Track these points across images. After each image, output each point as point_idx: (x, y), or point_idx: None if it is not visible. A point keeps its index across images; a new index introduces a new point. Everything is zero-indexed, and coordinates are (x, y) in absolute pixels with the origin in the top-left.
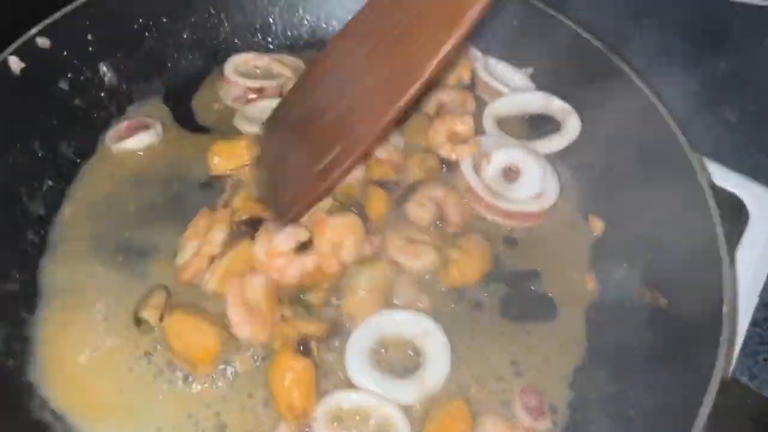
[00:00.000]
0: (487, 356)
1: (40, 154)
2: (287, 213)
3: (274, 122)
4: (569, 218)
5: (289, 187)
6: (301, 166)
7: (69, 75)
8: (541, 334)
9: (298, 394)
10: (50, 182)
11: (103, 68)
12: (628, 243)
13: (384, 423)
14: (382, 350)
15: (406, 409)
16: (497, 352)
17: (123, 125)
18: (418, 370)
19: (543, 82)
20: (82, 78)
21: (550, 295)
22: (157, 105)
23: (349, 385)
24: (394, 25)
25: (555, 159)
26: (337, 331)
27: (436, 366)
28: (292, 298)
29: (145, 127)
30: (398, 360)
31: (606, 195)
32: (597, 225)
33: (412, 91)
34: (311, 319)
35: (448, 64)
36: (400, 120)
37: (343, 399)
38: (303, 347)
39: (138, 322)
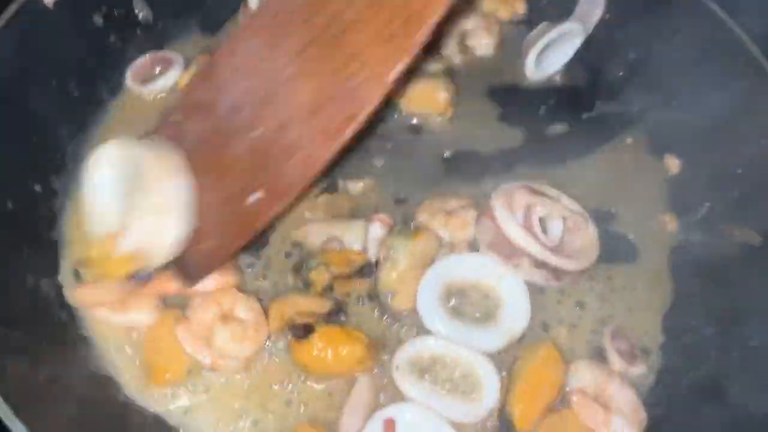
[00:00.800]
0: (569, 299)
1: (75, 94)
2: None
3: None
4: (642, 158)
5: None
6: (216, 199)
7: (103, 9)
8: (623, 277)
9: (334, 355)
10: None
11: (138, 3)
12: (709, 181)
13: (469, 371)
14: (454, 298)
15: (491, 356)
16: (579, 294)
17: (145, 61)
18: (496, 315)
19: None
20: (116, 13)
21: (629, 237)
22: (191, 43)
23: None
24: (326, 23)
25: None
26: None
27: (515, 309)
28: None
29: (168, 63)
30: (473, 307)
31: (682, 132)
32: (673, 164)
33: (362, 118)
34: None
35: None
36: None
37: (422, 347)
38: (301, 329)
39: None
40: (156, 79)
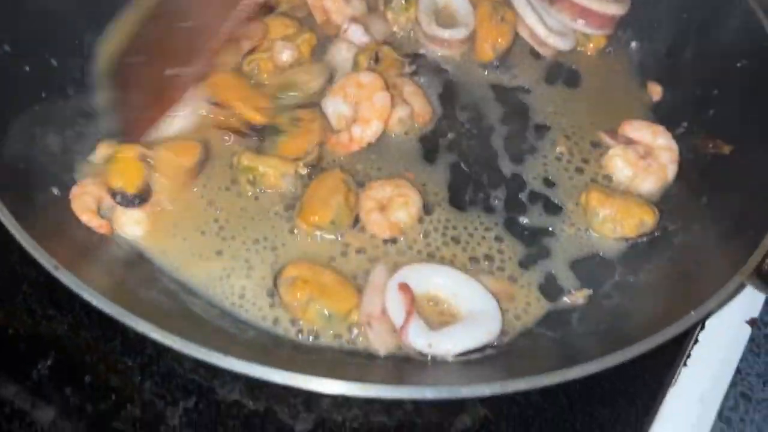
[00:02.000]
0: None
1: None
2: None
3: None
4: (627, 85)
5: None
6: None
7: None
8: None
9: None
10: None
11: None
12: (686, 104)
13: None
14: None
15: None
16: None
17: None
18: None
19: None
20: None
21: None
22: None
23: None
24: None
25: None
26: None
27: None
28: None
29: None
30: None
31: (662, 60)
32: (655, 90)
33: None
34: None
35: None
36: None
37: None
38: None
39: None
40: None
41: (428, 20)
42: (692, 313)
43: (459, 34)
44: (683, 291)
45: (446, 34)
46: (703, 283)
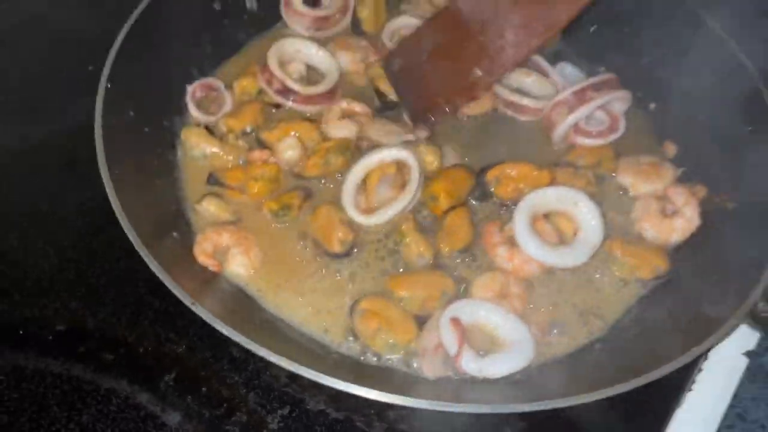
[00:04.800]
0: None
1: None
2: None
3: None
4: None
5: (427, 94)
6: (444, 78)
7: None
8: None
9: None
10: None
11: None
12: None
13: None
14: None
15: None
16: None
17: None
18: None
19: None
20: None
21: None
22: None
23: None
24: None
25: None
26: None
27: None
28: None
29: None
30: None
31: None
32: (670, 149)
33: (548, 35)
34: None
35: None
36: None
37: None
38: None
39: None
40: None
41: None
42: (694, 349)
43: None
44: (689, 328)
45: None
46: (705, 322)
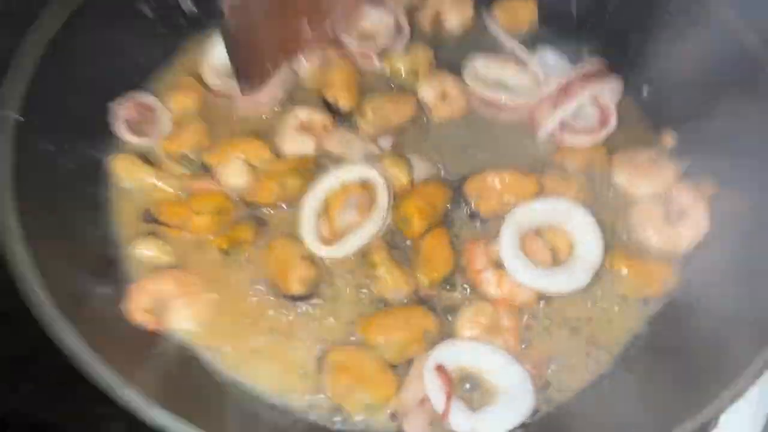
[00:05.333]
0: None
1: None
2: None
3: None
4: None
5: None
6: (273, 36)
7: None
8: None
9: None
10: None
11: None
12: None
13: None
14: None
15: None
16: None
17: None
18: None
19: None
20: None
21: None
22: None
23: None
24: None
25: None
26: None
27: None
28: None
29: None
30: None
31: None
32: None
33: None
34: None
35: None
36: None
37: None
38: None
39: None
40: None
41: None
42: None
43: None
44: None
45: None
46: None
